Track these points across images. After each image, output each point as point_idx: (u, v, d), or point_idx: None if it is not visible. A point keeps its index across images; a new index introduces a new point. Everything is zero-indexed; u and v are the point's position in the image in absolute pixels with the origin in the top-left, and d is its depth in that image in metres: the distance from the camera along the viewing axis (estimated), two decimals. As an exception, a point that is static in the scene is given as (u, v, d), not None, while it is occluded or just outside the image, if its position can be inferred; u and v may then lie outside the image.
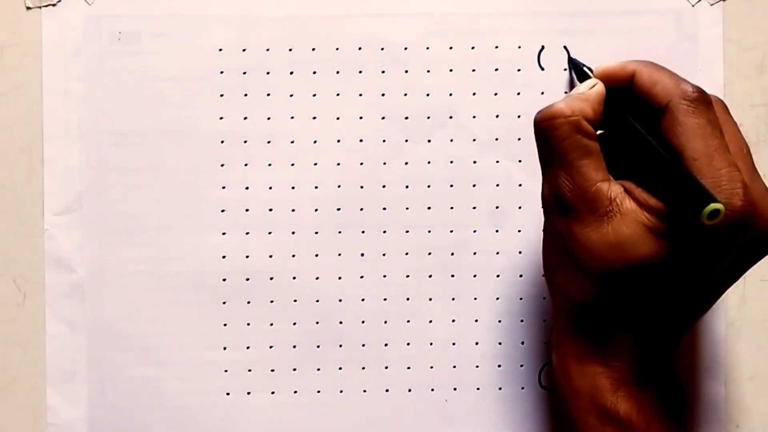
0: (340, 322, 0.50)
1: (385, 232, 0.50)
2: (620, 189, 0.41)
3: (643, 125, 0.42)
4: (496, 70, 0.50)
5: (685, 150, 0.40)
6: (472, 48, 0.50)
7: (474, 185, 0.50)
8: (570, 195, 0.41)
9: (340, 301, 0.50)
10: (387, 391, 0.50)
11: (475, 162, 0.50)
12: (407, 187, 0.50)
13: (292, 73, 0.50)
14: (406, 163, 0.50)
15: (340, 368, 0.50)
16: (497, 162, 0.50)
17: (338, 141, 0.50)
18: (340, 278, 0.50)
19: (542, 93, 0.50)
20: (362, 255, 0.50)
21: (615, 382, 0.42)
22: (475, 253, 0.50)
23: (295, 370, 0.50)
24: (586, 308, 0.42)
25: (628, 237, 0.40)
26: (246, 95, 0.49)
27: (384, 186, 0.50)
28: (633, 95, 0.43)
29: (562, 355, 0.44)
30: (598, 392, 0.42)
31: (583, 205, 0.41)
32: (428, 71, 0.50)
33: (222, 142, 0.50)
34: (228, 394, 0.50)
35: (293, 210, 0.50)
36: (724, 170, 0.39)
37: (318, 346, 0.50)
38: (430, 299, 0.50)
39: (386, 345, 0.50)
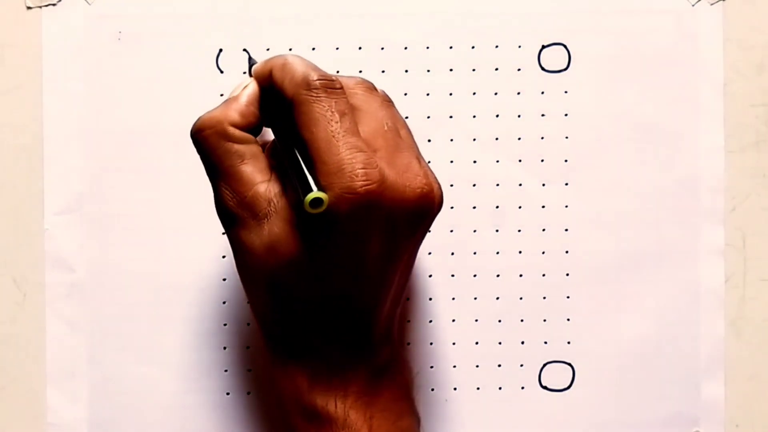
0: (340, 322, 0.50)
1: (385, 232, 0.50)
2: (279, 188, 0.40)
3: (287, 122, 0.41)
4: (496, 70, 0.50)
5: (309, 140, 0.39)
6: (472, 48, 0.50)
7: (474, 185, 0.50)
8: (232, 204, 0.41)
9: (340, 301, 0.50)
10: (387, 391, 0.50)
11: (475, 162, 0.50)
12: (407, 187, 0.50)
13: (292, 73, 0.49)
14: (406, 163, 0.50)
15: (340, 368, 0.50)
16: (497, 162, 0.50)
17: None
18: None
19: (542, 93, 0.50)
20: (362, 255, 0.50)
21: (313, 380, 0.42)
22: (475, 253, 0.50)
23: (295, 370, 0.50)
24: (271, 317, 0.42)
25: (277, 236, 0.40)
26: (246, 95, 0.49)
27: (384, 186, 0.50)
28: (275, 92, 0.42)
29: (267, 360, 0.44)
30: (299, 392, 0.42)
31: (244, 211, 0.41)
32: (428, 71, 0.50)
33: (222, 142, 0.50)
34: (228, 394, 0.50)
35: (293, 210, 0.50)
36: (344, 153, 0.38)
37: (318, 346, 0.50)
38: (431, 299, 0.50)
39: (386, 345, 0.50)
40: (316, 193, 0.38)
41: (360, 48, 0.50)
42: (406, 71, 0.50)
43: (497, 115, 0.50)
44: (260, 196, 0.40)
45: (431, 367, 0.50)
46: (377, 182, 0.39)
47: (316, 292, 0.41)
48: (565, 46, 0.50)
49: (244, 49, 0.49)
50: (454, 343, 0.50)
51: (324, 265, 0.40)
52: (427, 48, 0.50)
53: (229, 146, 0.41)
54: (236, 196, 0.41)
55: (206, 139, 0.41)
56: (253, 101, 0.42)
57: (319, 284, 0.41)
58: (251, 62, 0.45)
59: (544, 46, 0.50)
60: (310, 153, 0.39)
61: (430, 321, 0.50)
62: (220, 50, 0.49)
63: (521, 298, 0.50)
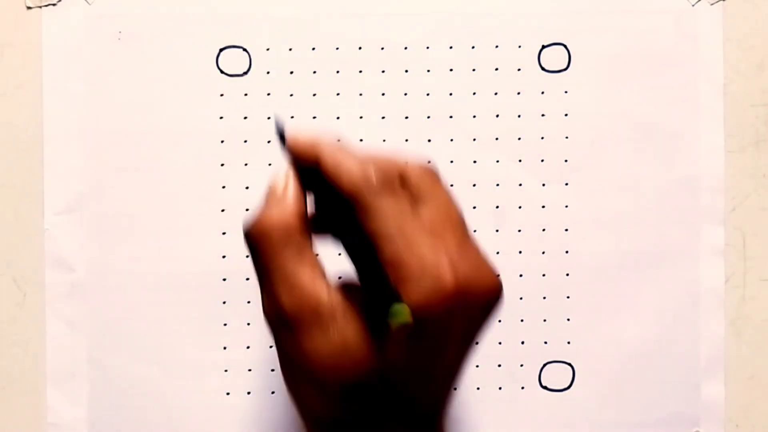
0: (340, 322, 0.50)
1: (385, 232, 0.50)
2: (340, 291, 0.38)
3: (343, 212, 0.39)
4: (496, 70, 0.50)
5: (380, 238, 0.37)
6: (472, 48, 0.50)
7: (474, 185, 0.50)
8: (291, 308, 0.38)
9: (340, 301, 0.50)
10: (387, 391, 0.50)
11: (475, 162, 0.50)
12: (407, 187, 0.50)
13: (292, 72, 0.50)
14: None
15: (340, 368, 0.50)
16: (497, 162, 0.50)
17: (338, 141, 0.50)
18: (340, 278, 0.50)
19: (542, 93, 0.50)
20: (362, 255, 0.50)
21: None
22: (475, 253, 0.50)
23: (295, 370, 0.50)
24: (329, 418, 0.40)
25: (350, 341, 0.38)
26: (246, 95, 0.50)
27: (384, 186, 0.50)
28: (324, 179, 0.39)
29: None
30: None
31: (305, 316, 0.38)
32: (428, 71, 0.50)
33: (222, 142, 0.50)
34: (228, 394, 0.50)
35: (293, 210, 0.50)
36: (426, 249, 0.37)
37: (318, 346, 0.50)
38: (430, 299, 0.50)
39: (386, 345, 0.50)
40: (404, 311, 0.36)
41: (360, 48, 0.50)
42: (406, 71, 0.50)
43: (497, 115, 0.50)
44: (323, 300, 0.38)
45: (431, 367, 0.50)
46: (461, 282, 0.37)
47: (385, 395, 0.39)
48: (565, 46, 0.50)
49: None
50: (454, 343, 0.50)
51: (401, 370, 0.38)
52: (427, 48, 0.50)
53: (292, 247, 0.39)
54: (297, 300, 0.38)
55: (269, 240, 0.39)
56: (300, 196, 0.40)
57: (390, 388, 0.38)
58: (279, 126, 0.41)
59: (544, 46, 0.50)
60: (382, 254, 0.37)
61: (430, 321, 0.50)
62: (220, 50, 0.49)
63: (521, 298, 0.50)
